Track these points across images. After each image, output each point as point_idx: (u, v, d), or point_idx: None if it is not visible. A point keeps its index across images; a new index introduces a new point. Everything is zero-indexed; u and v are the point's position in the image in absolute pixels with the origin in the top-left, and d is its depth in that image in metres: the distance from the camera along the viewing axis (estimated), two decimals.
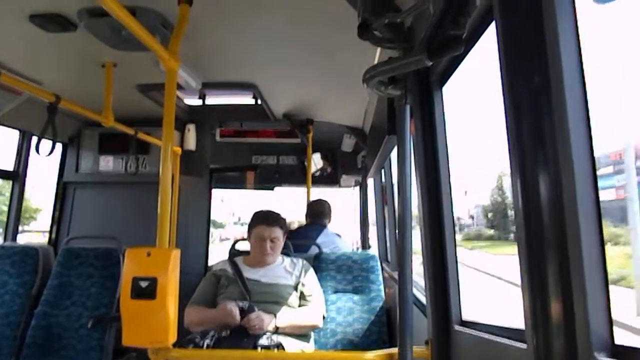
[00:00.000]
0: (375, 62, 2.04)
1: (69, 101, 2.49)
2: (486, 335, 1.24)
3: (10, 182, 3.49)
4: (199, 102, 3.54)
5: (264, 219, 2.64)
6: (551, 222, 0.84)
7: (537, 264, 0.87)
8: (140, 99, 3.12)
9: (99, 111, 2.67)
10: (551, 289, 0.84)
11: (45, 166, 3.54)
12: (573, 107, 0.79)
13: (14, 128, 3.36)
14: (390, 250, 4.03)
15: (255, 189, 5.39)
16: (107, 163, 3.70)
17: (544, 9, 0.82)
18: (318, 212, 3.96)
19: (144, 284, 1.65)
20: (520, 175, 0.88)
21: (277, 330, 2.38)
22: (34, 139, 3.37)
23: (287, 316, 2.44)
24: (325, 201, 4.09)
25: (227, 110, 3.72)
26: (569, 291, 0.81)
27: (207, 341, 2.16)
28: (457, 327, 1.51)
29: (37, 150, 2.46)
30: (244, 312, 2.33)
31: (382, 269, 3.22)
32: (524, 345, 0.93)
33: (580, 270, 0.78)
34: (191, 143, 3.72)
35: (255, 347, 2.20)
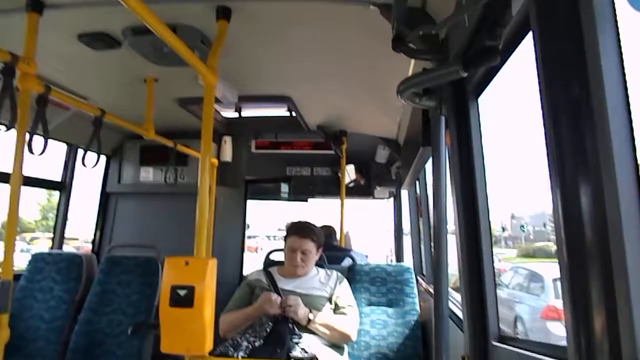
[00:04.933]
0: (410, 73, 2.03)
1: (113, 115, 2.60)
2: (525, 352, 1.21)
3: (57, 193, 3.66)
4: (235, 115, 3.62)
5: (297, 230, 2.65)
6: (593, 236, 0.81)
7: (579, 280, 0.84)
8: (180, 112, 3.22)
9: (140, 124, 2.77)
10: (595, 305, 0.81)
11: (87, 178, 3.68)
12: (615, 118, 0.77)
13: (61, 141, 3.53)
14: (425, 263, 3.97)
15: (289, 200, 5.43)
16: (148, 174, 3.82)
17: (582, 17, 0.80)
18: (328, 235, 4.06)
19: (182, 293, 1.69)
20: (561, 188, 0.86)
21: (309, 323, 2.39)
22: (80, 152, 3.55)
23: (321, 315, 2.45)
24: (331, 225, 4.44)
25: (263, 123, 3.79)
26: (614, 308, 0.78)
27: (240, 353, 2.17)
28: (495, 343, 1.47)
29: (83, 162, 2.57)
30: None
31: (417, 282, 3.17)
32: None
33: (626, 286, 0.75)
34: (227, 155, 3.81)
35: (288, 359, 2.21)
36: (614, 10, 0.78)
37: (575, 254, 0.85)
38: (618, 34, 0.78)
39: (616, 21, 0.78)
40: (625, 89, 0.78)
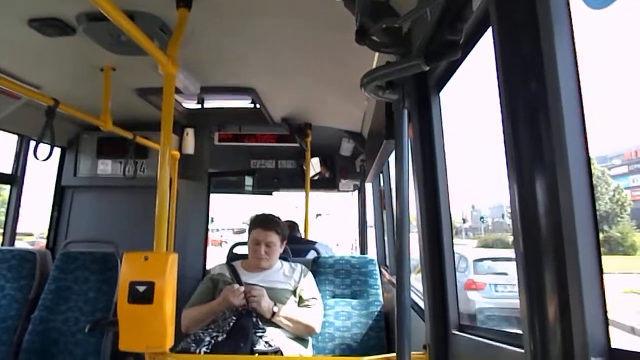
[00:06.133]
0: (374, 66, 2.04)
1: (68, 105, 2.49)
2: (484, 340, 1.24)
3: (8, 186, 3.48)
4: (198, 106, 3.55)
5: (261, 223, 2.63)
6: (548, 228, 0.84)
7: (534, 270, 0.87)
8: (139, 103, 3.12)
9: (97, 115, 2.67)
10: (548, 293, 0.84)
11: (41, 170, 3.51)
12: (569, 113, 0.79)
13: (12, 132, 3.36)
14: (388, 254, 4.03)
15: (253, 193, 5.38)
16: (106, 167, 3.69)
17: (539, 14, 0.82)
18: (291, 227, 4.04)
19: (141, 289, 1.65)
20: (518, 181, 0.89)
21: (273, 316, 2.38)
22: (32, 143, 3.38)
23: (285, 308, 2.44)
24: (293, 221, 4.37)
25: (226, 114, 3.72)
26: (566, 296, 0.81)
27: (203, 349, 2.14)
28: (455, 332, 1.51)
29: (35, 154, 2.45)
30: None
31: (381, 273, 3.22)
32: (521, 350, 0.93)
33: (577, 275, 0.78)
34: (190, 147, 3.72)
35: (252, 353, 2.19)
36: (569, 7, 0.81)
37: (530, 245, 0.87)
38: (572, 31, 0.81)
39: (571, 18, 0.81)
40: (579, 84, 0.80)
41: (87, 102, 2.69)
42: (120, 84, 2.69)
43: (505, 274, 8.38)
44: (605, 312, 0.77)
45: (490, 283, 7.93)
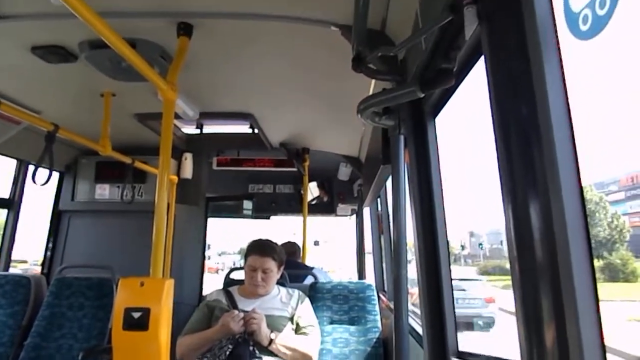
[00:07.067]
0: (370, 93, 2.07)
1: (67, 130, 2.51)
2: None
3: (5, 211, 3.47)
4: (197, 131, 3.57)
5: (257, 249, 2.60)
6: (543, 253, 0.84)
7: (531, 295, 0.86)
8: (138, 128, 3.15)
9: (96, 140, 2.68)
10: (545, 319, 0.84)
11: (38, 194, 3.50)
12: (560, 138, 0.81)
13: (10, 157, 3.36)
14: (386, 279, 4.00)
15: (251, 217, 5.37)
16: (103, 191, 3.69)
17: (529, 44, 0.85)
18: (290, 252, 4.00)
19: (136, 315, 1.62)
20: (512, 206, 0.89)
21: (270, 343, 2.34)
22: (31, 168, 3.39)
23: (282, 336, 2.40)
24: (295, 242, 4.38)
25: (224, 139, 3.75)
26: (563, 323, 0.81)
27: None
28: (454, 358, 1.49)
29: (33, 179, 2.45)
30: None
31: (379, 299, 3.19)
32: None
33: (574, 302, 0.78)
34: (188, 172, 3.73)
35: None
36: (557, 37, 0.83)
37: (526, 270, 0.88)
38: (561, 58, 0.83)
39: (559, 46, 0.83)
40: (569, 109, 0.82)
41: (87, 127, 2.71)
42: (120, 109, 2.72)
43: (464, 290, 10.70)
44: (602, 336, 0.77)
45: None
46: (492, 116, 0.95)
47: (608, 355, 0.77)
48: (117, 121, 2.73)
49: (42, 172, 2.49)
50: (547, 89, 0.81)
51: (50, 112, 2.75)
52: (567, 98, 0.82)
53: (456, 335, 1.55)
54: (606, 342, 0.77)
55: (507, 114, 0.90)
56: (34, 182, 2.44)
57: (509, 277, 0.94)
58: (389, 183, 3.32)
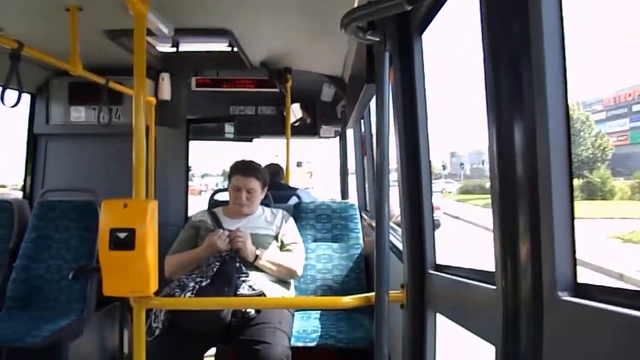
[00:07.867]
0: (355, 6, 1.97)
1: (33, 48, 2.36)
2: (458, 278, 1.30)
3: None
4: (173, 50, 3.40)
5: (241, 169, 2.62)
6: (524, 171, 0.86)
7: (509, 210, 0.89)
8: (110, 46, 2.97)
9: (66, 59, 2.54)
10: (521, 234, 0.88)
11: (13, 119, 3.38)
12: (551, 58, 0.79)
13: None
14: (369, 199, 4.09)
15: (233, 140, 5.32)
16: (79, 114, 3.57)
17: None
18: (274, 173, 4.01)
19: (122, 235, 1.64)
20: (496, 125, 0.89)
21: (256, 259, 2.43)
22: None
23: (267, 252, 2.50)
24: (278, 164, 4.41)
25: (202, 58, 3.58)
26: (538, 237, 0.84)
27: (187, 294, 2.18)
28: (431, 271, 1.57)
29: (2, 100, 2.35)
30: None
31: (361, 218, 3.28)
32: (493, 287, 0.98)
33: (550, 217, 0.80)
34: (166, 93, 3.60)
35: (236, 297, 2.25)
36: None
37: (506, 188, 0.89)
38: None
39: None
40: (562, 29, 0.79)
41: (55, 45, 2.55)
42: (88, 25, 2.54)
43: None
44: (574, 252, 0.81)
45: None
46: (482, 30, 0.91)
47: (584, 269, 0.82)
48: (87, 38, 2.57)
49: (12, 94, 2.38)
50: (542, 7, 0.77)
51: (13, 29, 2.56)
52: (561, 12, 0.78)
53: (434, 250, 1.62)
54: (585, 258, 0.81)
55: (498, 28, 0.87)
56: (3, 103, 2.34)
57: (488, 196, 0.96)
58: (372, 103, 3.28)
